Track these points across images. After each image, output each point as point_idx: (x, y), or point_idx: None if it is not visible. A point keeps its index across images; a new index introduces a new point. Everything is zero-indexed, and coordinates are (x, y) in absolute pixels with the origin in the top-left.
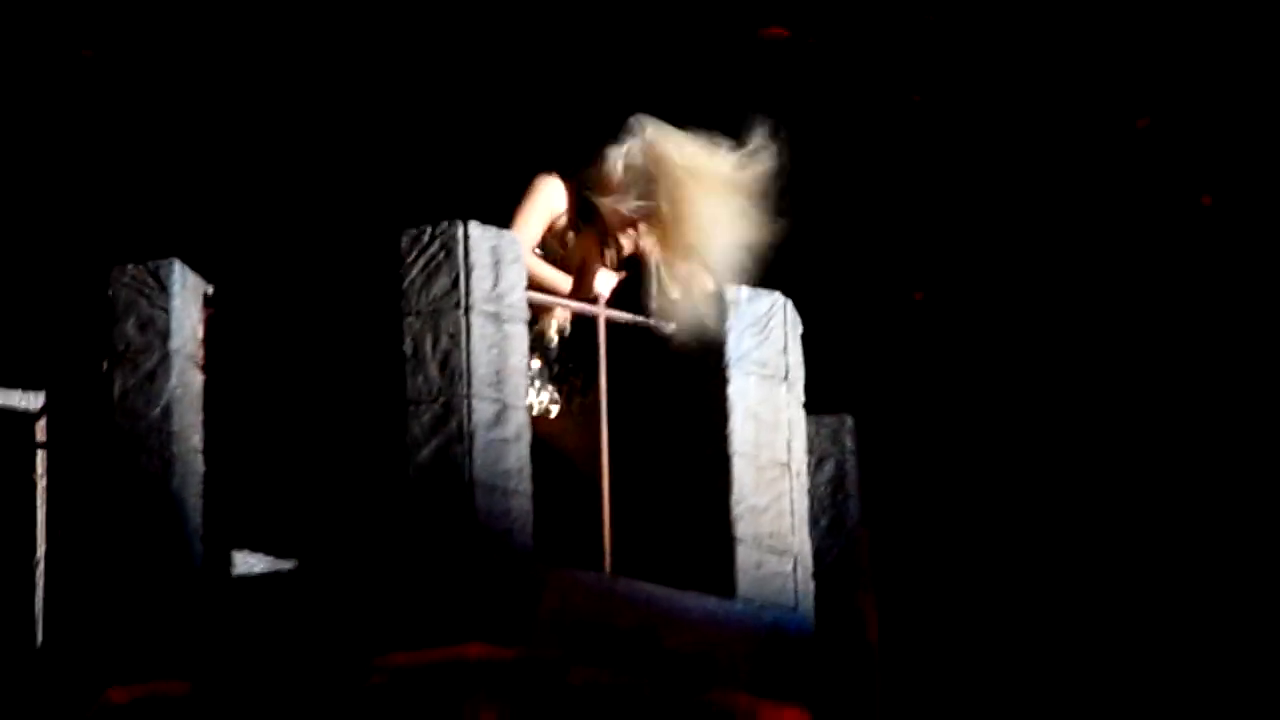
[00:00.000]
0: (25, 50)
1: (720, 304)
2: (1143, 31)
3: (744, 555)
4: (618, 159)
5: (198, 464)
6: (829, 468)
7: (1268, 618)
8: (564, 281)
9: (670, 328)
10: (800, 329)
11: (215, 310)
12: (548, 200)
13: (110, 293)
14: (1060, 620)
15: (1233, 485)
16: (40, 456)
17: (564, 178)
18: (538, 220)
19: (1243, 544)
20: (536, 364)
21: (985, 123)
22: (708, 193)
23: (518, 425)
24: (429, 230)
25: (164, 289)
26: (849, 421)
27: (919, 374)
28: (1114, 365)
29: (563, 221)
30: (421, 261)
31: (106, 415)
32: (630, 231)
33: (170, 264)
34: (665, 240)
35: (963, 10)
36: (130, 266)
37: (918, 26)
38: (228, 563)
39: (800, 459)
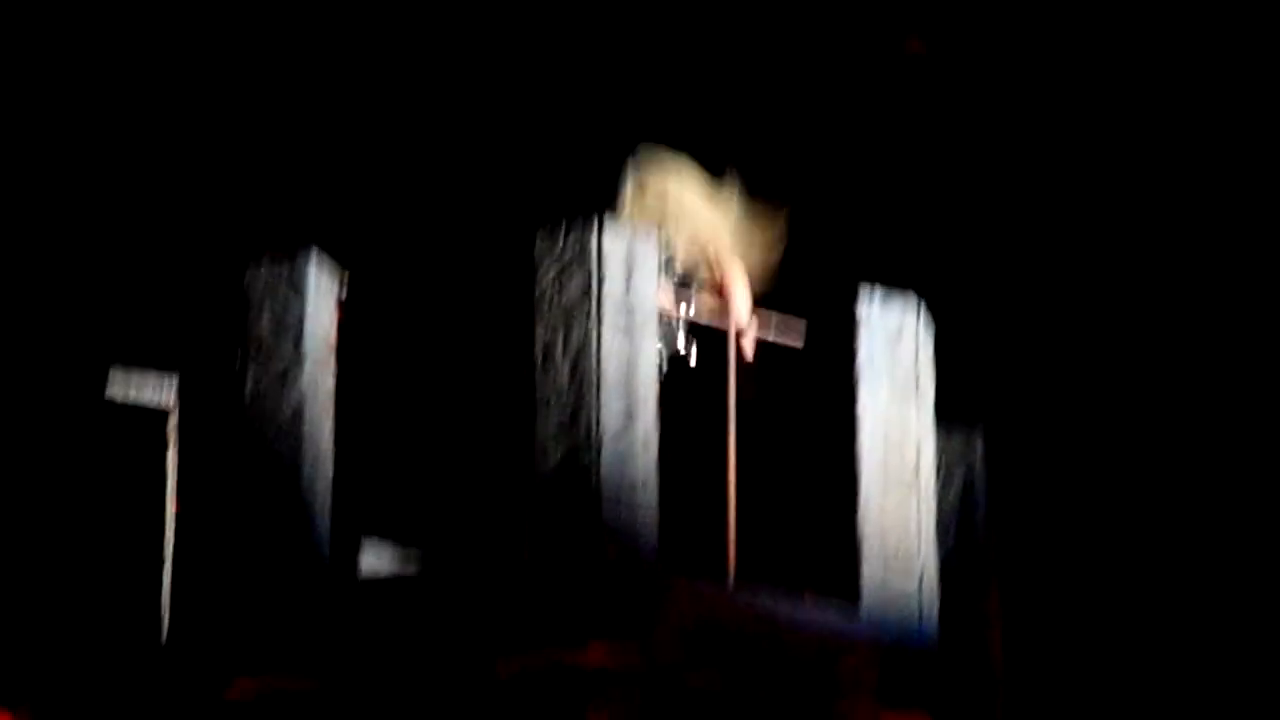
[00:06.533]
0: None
1: (851, 314)
2: None
3: (869, 566)
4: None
5: (328, 464)
6: (957, 479)
7: None
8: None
9: (798, 341)
10: (932, 335)
11: (348, 309)
12: None
13: (245, 290)
14: (1192, 635)
15: None
16: (171, 452)
17: None
18: None
19: None
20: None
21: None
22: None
23: (646, 430)
24: (563, 232)
25: (298, 289)
26: (978, 432)
27: (1051, 382)
28: (1255, 375)
29: None
30: (555, 263)
31: (238, 413)
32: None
33: (304, 262)
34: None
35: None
36: (265, 264)
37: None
38: (355, 562)
39: (928, 471)
